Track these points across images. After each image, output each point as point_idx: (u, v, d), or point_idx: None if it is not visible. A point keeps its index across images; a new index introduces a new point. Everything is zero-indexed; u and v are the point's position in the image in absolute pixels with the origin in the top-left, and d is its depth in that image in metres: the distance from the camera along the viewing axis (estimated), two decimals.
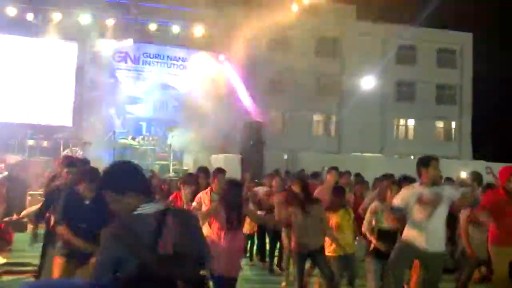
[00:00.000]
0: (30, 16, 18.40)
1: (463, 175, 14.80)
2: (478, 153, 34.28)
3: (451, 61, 38.26)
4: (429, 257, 5.66)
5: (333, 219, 7.13)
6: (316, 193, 8.71)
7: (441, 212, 5.64)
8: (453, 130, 38.64)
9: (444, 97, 38.02)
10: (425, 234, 5.60)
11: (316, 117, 36.18)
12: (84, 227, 5.10)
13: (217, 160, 16.55)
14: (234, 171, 15.40)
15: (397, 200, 5.83)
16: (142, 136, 18.44)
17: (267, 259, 9.84)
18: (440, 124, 38.52)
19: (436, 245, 5.65)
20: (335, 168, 9.51)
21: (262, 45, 29.48)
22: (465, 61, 38.17)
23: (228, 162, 16.20)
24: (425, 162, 5.77)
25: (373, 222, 6.87)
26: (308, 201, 6.96)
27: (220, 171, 7.13)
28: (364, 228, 7.00)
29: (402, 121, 38.06)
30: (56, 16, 18.77)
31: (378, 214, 6.82)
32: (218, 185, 6.72)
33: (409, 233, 5.73)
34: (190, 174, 9.77)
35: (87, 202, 5.23)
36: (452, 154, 35.45)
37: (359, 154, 29.58)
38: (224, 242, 6.08)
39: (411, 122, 38.05)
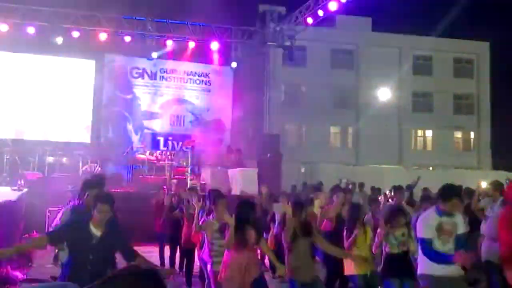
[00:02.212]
0: (48, 35, 18.65)
1: (484, 185, 14.62)
2: (498, 164, 33.86)
3: (468, 71, 38.00)
4: (452, 284, 5.56)
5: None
6: (322, 214, 8.69)
7: (453, 241, 5.62)
8: (471, 140, 38.25)
9: (461, 107, 37.73)
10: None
11: (333, 129, 36.08)
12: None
13: (234, 174, 16.55)
14: (251, 185, 15.42)
15: (426, 232, 5.62)
16: (159, 151, 18.53)
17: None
18: (458, 134, 38.16)
19: (455, 269, 5.58)
20: (342, 190, 9.48)
21: (278, 58, 29.60)
22: (482, 71, 37.87)
23: (245, 176, 16.20)
24: (447, 197, 5.63)
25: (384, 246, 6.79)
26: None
27: (220, 196, 6.96)
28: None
29: (420, 132, 37.78)
30: (74, 34, 19.03)
31: (385, 238, 6.73)
32: (219, 213, 6.56)
33: (428, 266, 5.60)
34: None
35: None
36: (471, 164, 35.14)
37: (377, 166, 29.45)
38: (237, 262, 6.05)
39: (429, 133, 37.76)
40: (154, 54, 20.81)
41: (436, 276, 5.54)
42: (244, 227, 6.14)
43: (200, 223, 7.02)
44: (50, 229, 5.33)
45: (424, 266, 5.69)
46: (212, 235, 6.60)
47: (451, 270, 5.53)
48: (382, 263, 6.68)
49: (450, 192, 5.67)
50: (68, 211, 6.08)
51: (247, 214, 6.25)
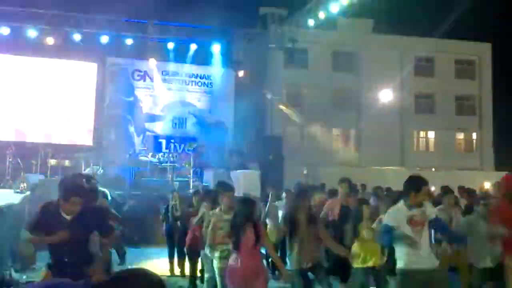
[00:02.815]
0: (50, 39, 18.69)
1: (487, 186, 14.61)
2: (501, 164, 33.81)
3: (470, 72, 37.94)
4: (430, 276, 5.51)
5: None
6: (327, 205, 8.74)
7: (426, 230, 5.65)
8: (474, 141, 38.21)
9: (463, 108, 37.66)
10: (420, 253, 5.52)
11: (335, 131, 36.04)
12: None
13: (236, 176, 16.55)
14: (253, 187, 15.40)
15: (388, 219, 5.70)
16: (161, 153, 18.54)
17: None
18: (460, 135, 38.11)
19: (431, 261, 5.60)
20: (347, 180, 9.48)
21: (280, 60, 29.61)
22: (484, 72, 37.81)
23: (248, 178, 16.21)
24: (417, 187, 5.65)
25: None
26: None
27: (227, 188, 7.00)
28: None
29: (422, 133, 37.74)
30: (76, 37, 19.07)
31: None
32: (226, 204, 6.64)
33: (404, 258, 5.59)
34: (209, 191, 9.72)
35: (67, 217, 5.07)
36: (473, 165, 35.09)
37: (379, 167, 29.42)
38: (239, 262, 6.03)
39: (431, 134, 37.70)
40: (155, 57, 20.81)
41: (410, 269, 5.51)
42: (243, 225, 6.10)
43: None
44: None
45: (399, 259, 5.66)
46: (216, 225, 6.60)
47: (426, 262, 5.50)
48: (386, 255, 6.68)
49: (420, 183, 5.67)
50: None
51: (246, 213, 6.20)
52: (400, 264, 5.62)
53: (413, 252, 5.47)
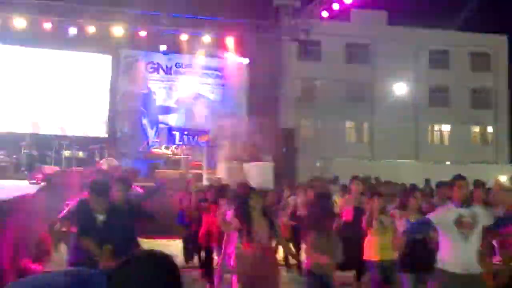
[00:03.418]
0: (64, 30, 18.77)
1: (503, 179, 14.49)
2: None
3: (486, 65, 37.58)
4: (471, 282, 5.38)
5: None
6: (341, 203, 8.69)
7: (476, 235, 5.47)
8: (489, 135, 37.88)
9: (479, 101, 37.32)
10: (463, 257, 5.39)
11: (348, 124, 35.93)
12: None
13: (250, 169, 16.55)
14: (266, 179, 15.40)
15: (434, 217, 5.60)
16: (175, 146, 18.57)
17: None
18: (475, 128, 37.81)
19: (475, 267, 5.44)
20: (359, 177, 9.45)
21: (293, 53, 29.51)
22: (500, 64, 37.44)
23: (261, 170, 16.20)
24: (450, 184, 5.65)
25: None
26: None
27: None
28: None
29: (436, 127, 37.48)
30: (90, 29, 19.14)
31: (397, 222, 6.65)
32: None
33: (446, 258, 5.49)
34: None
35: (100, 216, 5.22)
36: (489, 159, 34.83)
37: (393, 160, 29.30)
38: (249, 256, 6.02)
39: (446, 128, 37.44)
40: (163, 47, 20.77)
41: (450, 272, 5.40)
42: (252, 217, 6.07)
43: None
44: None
45: (440, 260, 5.56)
46: None
47: (467, 267, 5.37)
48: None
49: (452, 179, 5.63)
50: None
51: (255, 203, 6.18)
52: (442, 266, 5.50)
53: (457, 255, 5.39)
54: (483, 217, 5.55)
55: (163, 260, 2.08)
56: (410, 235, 6.20)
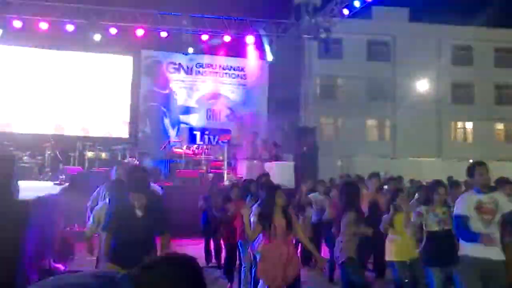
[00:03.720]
0: (86, 32, 18.97)
1: None
2: None
3: (510, 60, 36.94)
4: (493, 268, 5.40)
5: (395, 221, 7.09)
6: None
7: (498, 220, 5.47)
8: None
9: (503, 97, 36.75)
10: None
11: (370, 122, 35.69)
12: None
13: (270, 168, 16.55)
14: (287, 178, 15.39)
15: (462, 209, 5.56)
16: (196, 145, 18.67)
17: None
18: (500, 125, 37.24)
19: (497, 253, 5.44)
20: (377, 174, 9.41)
21: (314, 51, 29.40)
22: None
23: (282, 169, 16.20)
24: (470, 170, 5.61)
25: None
26: None
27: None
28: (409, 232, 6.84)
29: (459, 124, 37.01)
30: (112, 31, 19.31)
31: (424, 216, 6.57)
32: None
33: (468, 246, 5.47)
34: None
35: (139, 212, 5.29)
36: None
37: (415, 158, 29.02)
38: (267, 251, 6.02)
39: (469, 125, 36.94)
40: (190, 49, 20.91)
41: (471, 257, 5.40)
42: (272, 213, 6.07)
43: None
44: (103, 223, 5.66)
45: (462, 246, 5.56)
46: None
47: (490, 252, 5.37)
48: (422, 245, 6.52)
49: (472, 166, 5.60)
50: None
51: (273, 199, 6.17)
52: (464, 252, 5.51)
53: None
54: (505, 203, 5.51)
55: (187, 262, 2.12)
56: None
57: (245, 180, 10.21)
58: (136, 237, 5.13)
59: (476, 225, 5.43)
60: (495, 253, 5.42)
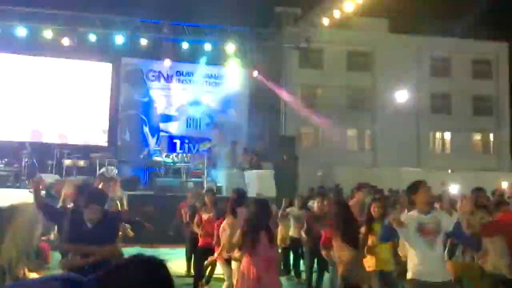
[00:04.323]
0: (65, 39, 18.79)
1: (504, 185, 14.43)
2: None
3: (487, 72, 37.52)
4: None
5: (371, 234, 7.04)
6: None
7: (440, 240, 5.42)
8: (491, 142, 37.78)
9: (480, 108, 37.23)
10: (431, 265, 5.29)
11: (350, 132, 35.86)
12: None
13: (250, 176, 16.51)
14: (267, 187, 15.35)
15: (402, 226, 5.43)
16: (176, 153, 18.55)
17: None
18: (477, 136, 37.72)
19: (444, 274, 5.37)
20: (366, 185, 9.43)
21: (295, 60, 29.51)
22: (501, 72, 37.40)
23: (262, 178, 16.16)
24: (412, 188, 5.51)
25: None
26: None
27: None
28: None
29: (438, 134, 37.40)
30: (91, 37, 19.15)
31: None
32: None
33: (415, 268, 5.37)
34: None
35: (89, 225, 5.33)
36: (490, 166, 34.65)
37: (395, 168, 29.17)
38: (252, 264, 5.92)
39: (447, 135, 37.36)
40: (169, 59, 20.79)
41: (420, 280, 5.30)
42: (258, 230, 5.96)
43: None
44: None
45: (410, 268, 5.46)
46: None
47: (439, 275, 5.30)
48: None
49: (414, 183, 5.54)
50: None
51: (263, 217, 6.09)
52: (409, 275, 5.42)
53: (424, 263, 5.27)
54: (446, 222, 5.48)
55: (154, 264, 2.08)
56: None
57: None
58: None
59: (420, 248, 5.32)
60: (442, 275, 5.33)
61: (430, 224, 5.32)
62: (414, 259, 5.36)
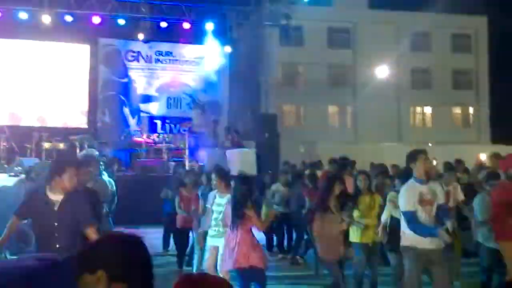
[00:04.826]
0: (41, 20, 18.44)
1: (483, 157, 14.64)
2: (497, 138, 33.83)
3: (466, 46, 37.77)
4: (436, 256, 5.52)
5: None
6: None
7: (434, 210, 5.56)
8: (470, 116, 38.19)
9: (460, 82, 37.56)
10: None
11: (331, 109, 35.98)
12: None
13: (232, 155, 16.48)
14: (249, 165, 15.34)
15: (408, 205, 5.55)
16: (157, 134, 18.45)
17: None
18: (457, 110, 38.10)
19: (437, 241, 5.51)
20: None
21: (275, 38, 29.36)
22: (481, 46, 37.66)
23: (244, 156, 16.13)
24: (412, 157, 5.62)
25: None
26: None
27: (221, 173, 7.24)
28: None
29: (418, 109, 37.70)
30: (67, 18, 18.83)
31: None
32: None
33: (412, 236, 5.52)
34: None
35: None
36: (470, 139, 35.11)
37: (376, 143, 29.40)
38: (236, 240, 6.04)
39: (428, 109, 37.67)
40: (148, 38, 20.53)
41: (419, 248, 5.48)
42: (244, 204, 6.09)
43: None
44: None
45: (407, 238, 5.60)
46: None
47: (434, 243, 5.47)
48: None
49: (413, 152, 5.67)
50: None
51: (247, 191, 6.19)
52: (405, 242, 5.59)
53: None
54: (440, 194, 5.62)
55: (131, 240, 2.09)
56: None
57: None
58: (52, 228, 4.90)
59: (421, 218, 5.47)
60: (437, 242, 5.48)
61: (428, 194, 5.48)
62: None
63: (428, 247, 5.44)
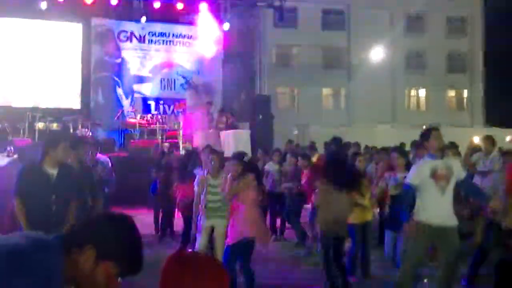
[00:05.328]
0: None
1: (476, 140, 14.67)
2: (491, 121, 33.96)
3: (461, 29, 37.68)
4: (446, 234, 5.50)
5: None
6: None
7: (451, 187, 5.53)
8: (464, 99, 38.25)
9: (454, 65, 37.53)
10: (440, 210, 5.47)
11: (325, 91, 35.93)
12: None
13: (226, 136, 16.45)
14: (244, 146, 15.33)
15: (413, 178, 5.60)
16: (150, 115, 18.37)
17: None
18: (451, 93, 38.14)
19: (451, 219, 5.53)
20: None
21: (269, 20, 29.19)
22: (475, 28, 37.59)
23: (238, 138, 16.12)
24: (425, 135, 5.65)
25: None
26: None
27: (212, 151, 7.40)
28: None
29: (413, 92, 37.72)
30: None
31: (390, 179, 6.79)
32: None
33: (422, 212, 5.53)
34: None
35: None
36: (464, 122, 35.22)
37: (370, 126, 29.45)
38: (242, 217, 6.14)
39: (422, 92, 37.70)
40: (143, 19, 20.35)
41: (427, 223, 5.48)
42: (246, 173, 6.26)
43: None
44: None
45: (417, 212, 5.61)
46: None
47: (444, 219, 5.48)
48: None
49: (426, 130, 5.71)
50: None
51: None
52: (420, 218, 5.54)
53: (435, 208, 5.45)
54: (458, 169, 5.61)
55: (120, 220, 2.08)
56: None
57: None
58: (49, 201, 5.01)
59: (431, 192, 5.46)
60: (449, 220, 5.50)
61: (443, 169, 5.45)
62: (426, 204, 5.51)
63: (442, 224, 5.44)
